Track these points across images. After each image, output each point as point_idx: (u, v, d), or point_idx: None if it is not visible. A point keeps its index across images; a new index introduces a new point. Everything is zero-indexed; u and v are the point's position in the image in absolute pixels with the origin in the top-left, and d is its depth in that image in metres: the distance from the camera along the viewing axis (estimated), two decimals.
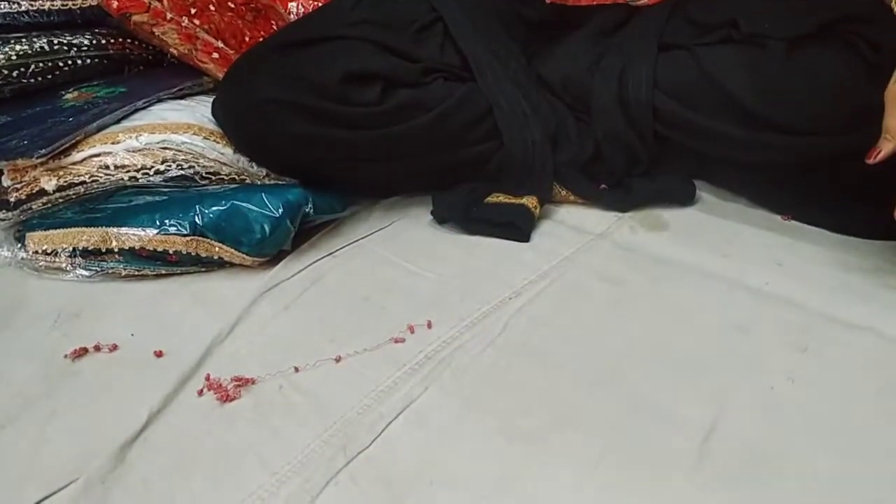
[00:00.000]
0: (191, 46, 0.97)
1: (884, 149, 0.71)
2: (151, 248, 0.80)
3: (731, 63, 0.88)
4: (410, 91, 0.89)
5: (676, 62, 0.92)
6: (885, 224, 0.74)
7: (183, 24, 0.96)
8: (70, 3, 1.00)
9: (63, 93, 0.96)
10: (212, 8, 0.99)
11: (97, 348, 0.72)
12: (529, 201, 0.91)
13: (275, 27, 1.05)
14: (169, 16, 0.95)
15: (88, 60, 0.99)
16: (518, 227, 0.88)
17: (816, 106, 0.83)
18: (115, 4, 0.94)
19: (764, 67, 0.86)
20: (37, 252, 0.83)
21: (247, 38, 1.01)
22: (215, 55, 0.98)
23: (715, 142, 0.90)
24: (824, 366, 0.67)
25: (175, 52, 0.98)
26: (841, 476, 0.56)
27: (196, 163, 0.85)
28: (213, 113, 0.90)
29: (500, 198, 0.93)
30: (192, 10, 0.97)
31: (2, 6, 0.97)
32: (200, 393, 0.66)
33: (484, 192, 0.94)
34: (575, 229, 0.90)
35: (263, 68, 0.88)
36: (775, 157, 0.87)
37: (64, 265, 0.82)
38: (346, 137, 0.86)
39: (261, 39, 1.01)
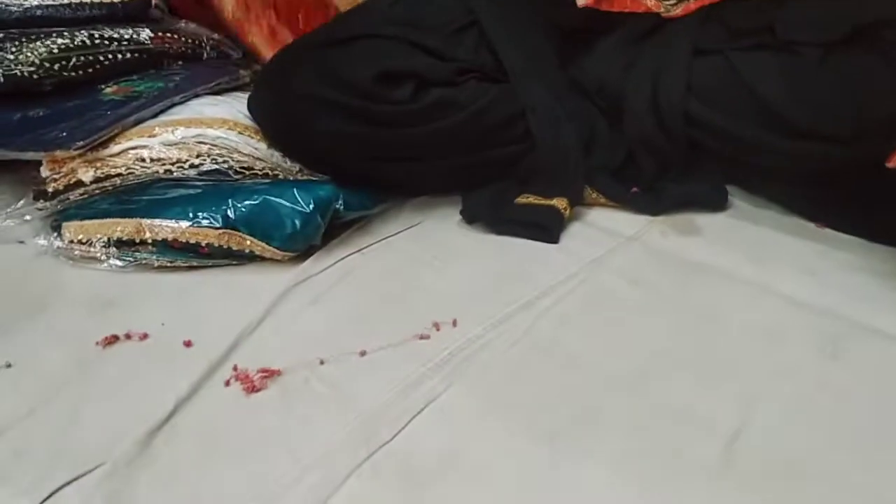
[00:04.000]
0: (245, 13, 0.97)
1: None
2: (184, 240, 0.82)
3: (766, 69, 0.88)
4: (443, 90, 0.89)
5: (710, 67, 0.91)
6: None
7: None
8: None
9: (102, 86, 0.98)
10: None
11: (128, 336, 0.73)
12: (559, 203, 0.91)
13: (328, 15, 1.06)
14: None
15: (129, 55, 0.99)
16: (547, 229, 0.88)
17: (849, 113, 0.82)
18: None
19: (799, 74, 0.86)
20: (72, 241, 0.84)
21: (300, 17, 1.01)
22: (265, 27, 0.98)
23: (747, 148, 0.89)
24: (855, 374, 0.66)
25: (228, 16, 0.98)
26: (868, 486, 0.55)
27: (230, 157, 0.86)
28: (249, 107, 0.91)
29: (530, 198, 0.92)
30: None
31: None
32: (227, 383, 0.67)
33: (514, 192, 0.94)
34: (605, 231, 0.90)
35: (300, 64, 0.89)
36: (808, 164, 0.86)
37: (98, 255, 0.83)
38: (378, 135, 0.87)
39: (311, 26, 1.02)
